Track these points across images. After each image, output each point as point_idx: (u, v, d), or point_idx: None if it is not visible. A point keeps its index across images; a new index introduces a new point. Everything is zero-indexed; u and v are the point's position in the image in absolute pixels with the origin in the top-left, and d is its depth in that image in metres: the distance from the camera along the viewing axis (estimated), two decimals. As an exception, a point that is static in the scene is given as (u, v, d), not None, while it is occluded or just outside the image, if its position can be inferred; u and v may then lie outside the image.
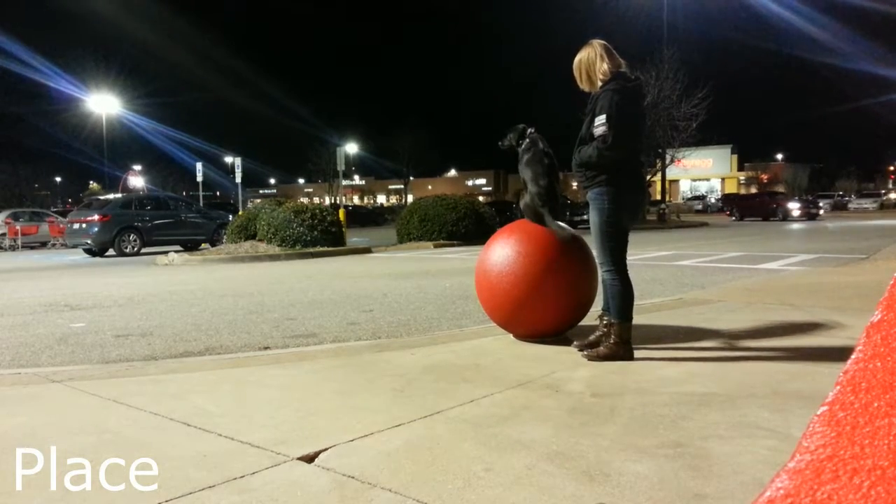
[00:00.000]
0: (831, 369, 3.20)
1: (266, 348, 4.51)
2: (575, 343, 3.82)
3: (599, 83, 3.58)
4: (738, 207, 34.37)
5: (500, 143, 4.35)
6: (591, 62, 3.60)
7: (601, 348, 3.59)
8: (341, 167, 22.55)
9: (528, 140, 4.18)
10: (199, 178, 25.74)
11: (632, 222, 3.67)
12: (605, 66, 3.56)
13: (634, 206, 3.66)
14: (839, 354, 3.53)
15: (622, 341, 3.55)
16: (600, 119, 3.45)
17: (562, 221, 4.12)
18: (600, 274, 3.75)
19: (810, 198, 39.28)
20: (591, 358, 3.55)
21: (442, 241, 16.82)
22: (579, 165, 3.61)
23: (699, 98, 29.68)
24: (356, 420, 2.60)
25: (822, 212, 32.44)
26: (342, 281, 9.16)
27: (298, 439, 2.38)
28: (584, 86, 3.70)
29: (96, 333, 5.27)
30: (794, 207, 31.45)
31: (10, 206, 33.75)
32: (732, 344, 3.88)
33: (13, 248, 22.74)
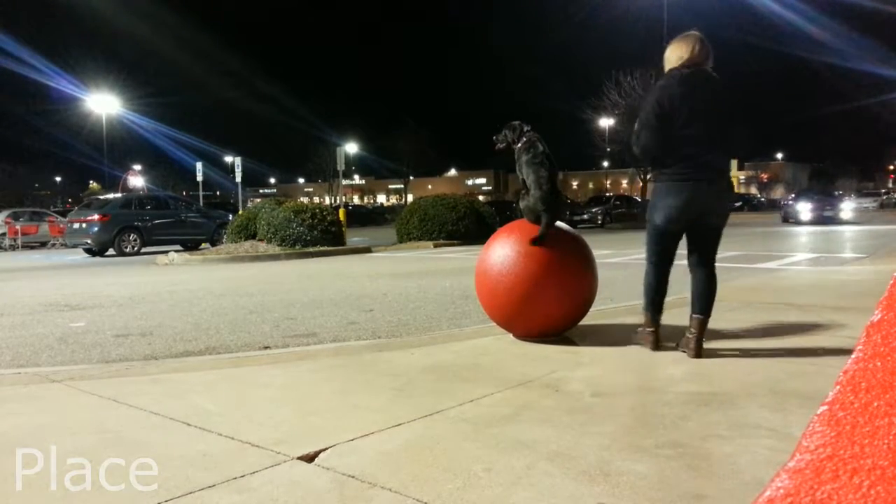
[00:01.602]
0: (831, 369, 3.19)
1: (266, 348, 4.51)
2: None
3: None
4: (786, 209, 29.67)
5: (494, 137, 4.33)
6: (666, 60, 3.64)
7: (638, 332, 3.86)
8: (341, 167, 22.55)
9: (525, 140, 4.18)
10: (199, 178, 25.77)
11: (667, 224, 3.58)
12: (665, 66, 3.64)
13: (669, 209, 3.53)
14: (839, 354, 3.52)
15: (644, 329, 3.77)
16: None
17: (562, 221, 4.14)
18: None
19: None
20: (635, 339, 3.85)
21: (442, 241, 16.82)
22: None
23: (699, 98, 29.61)
24: (356, 420, 2.60)
25: (843, 214, 25.21)
26: (342, 281, 9.16)
27: (298, 439, 2.37)
28: None
29: (96, 333, 5.27)
30: (806, 208, 25.10)
31: (10, 205, 33.77)
32: (732, 344, 3.87)
33: (13, 247, 22.73)
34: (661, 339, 3.73)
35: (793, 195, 34.87)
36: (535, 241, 3.85)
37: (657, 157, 3.55)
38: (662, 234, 3.62)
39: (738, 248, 13.08)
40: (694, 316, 3.59)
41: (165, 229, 17.83)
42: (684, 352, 3.59)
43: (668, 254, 3.68)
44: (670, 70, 3.57)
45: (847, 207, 25.36)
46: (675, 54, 3.57)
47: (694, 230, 3.62)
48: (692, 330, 3.58)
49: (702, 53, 3.53)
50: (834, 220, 24.10)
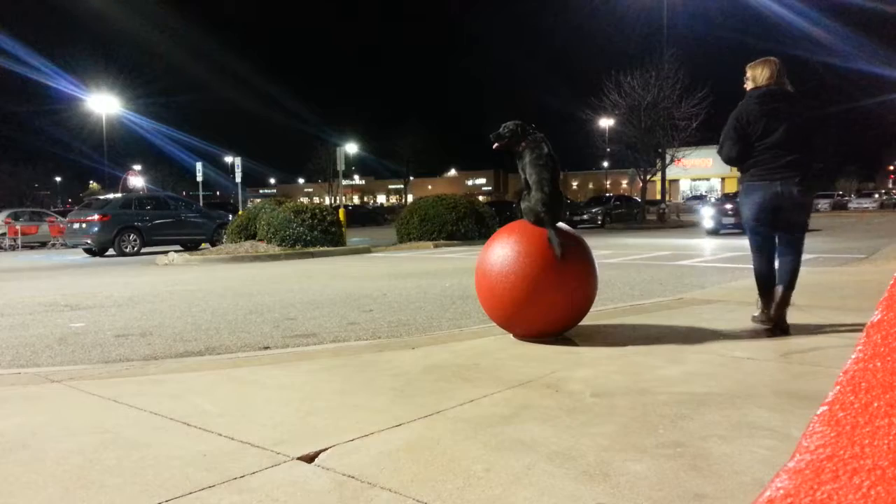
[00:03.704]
0: (831, 369, 3.20)
1: (266, 348, 4.51)
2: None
3: None
4: None
5: (497, 133, 4.24)
6: (751, 79, 4.25)
7: (758, 315, 4.33)
8: (341, 167, 22.54)
9: (530, 139, 4.16)
10: (199, 178, 25.77)
11: (753, 218, 4.21)
12: (747, 84, 4.27)
13: (751, 205, 4.19)
14: (839, 354, 3.53)
15: (763, 309, 4.24)
16: None
17: (562, 222, 4.14)
18: None
19: None
20: (753, 320, 4.35)
21: (442, 241, 16.82)
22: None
23: (699, 98, 29.68)
24: (356, 420, 2.60)
25: None
26: (342, 281, 9.16)
27: (298, 439, 2.37)
28: None
29: (96, 333, 5.27)
30: None
31: (10, 205, 33.79)
32: (732, 343, 3.88)
33: (13, 247, 22.73)
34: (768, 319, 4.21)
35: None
36: (560, 256, 3.83)
37: (741, 161, 4.17)
38: (752, 226, 4.26)
39: (737, 249, 13.09)
40: (777, 287, 4.20)
41: (165, 229, 17.82)
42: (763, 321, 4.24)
43: (765, 244, 4.27)
44: (752, 89, 4.19)
45: None
46: (761, 74, 4.19)
47: (779, 224, 4.20)
48: (775, 299, 4.18)
49: (782, 76, 4.19)
50: (730, 230, 19.14)
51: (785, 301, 4.13)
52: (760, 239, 4.27)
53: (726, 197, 29.11)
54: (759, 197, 4.13)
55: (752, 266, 4.38)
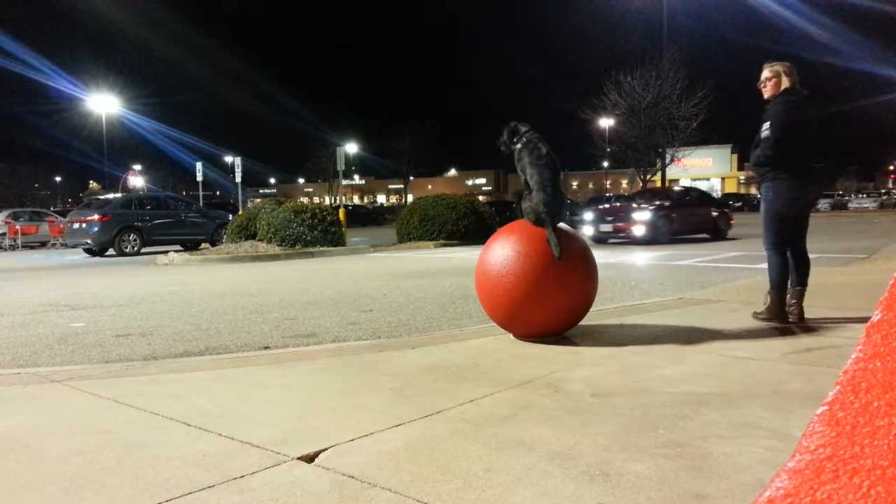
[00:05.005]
0: (831, 369, 3.20)
1: (266, 348, 4.51)
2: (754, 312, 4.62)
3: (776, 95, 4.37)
4: None
5: (502, 140, 4.29)
6: (784, 82, 4.35)
7: (763, 311, 4.49)
8: (341, 167, 22.56)
9: (526, 140, 4.17)
10: (199, 178, 25.78)
11: (792, 212, 4.38)
12: (780, 85, 4.37)
13: (791, 202, 4.35)
14: (839, 354, 3.53)
15: (774, 306, 4.39)
16: (765, 126, 4.33)
17: (563, 222, 4.14)
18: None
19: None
20: (754, 316, 4.53)
21: (442, 241, 16.82)
22: (754, 165, 4.50)
23: (699, 98, 29.69)
24: (356, 420, 2.60)
25: (637, 230, 15.41)
26: (342, 281, 9.16)
27: (298, 439, 2.37)
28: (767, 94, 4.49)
29: (96, 333, 5.27)
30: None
31: (10, 205, 33.80)
32: (733, 343, 3.87)
33: (13, 247, 22.74)
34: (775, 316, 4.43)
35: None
36: (558, 256, 3.82)
37: (779, 162, 4.29)
38: (783, 222, 4.41)
39: (738, 249, 13.10)
40: (795, 288, 4.47)
41: (165, 229, 17.83)
42: (790, 319, 4.41)
43: (786, 238, 4.46)
44: (790, 91, 4.30)
45: (643, 218, 15.47)
46: (794, 77, 4.35)
47: (803, 220, 4.50)
48: (793, 300, 4.46)
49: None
50: (620, 239, 16.04)
51: (803, 298, 4.49)
52: (785, 234, 4.45)
53: (614, 198, 25.46)
54: (795, 195, 4.33)
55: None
